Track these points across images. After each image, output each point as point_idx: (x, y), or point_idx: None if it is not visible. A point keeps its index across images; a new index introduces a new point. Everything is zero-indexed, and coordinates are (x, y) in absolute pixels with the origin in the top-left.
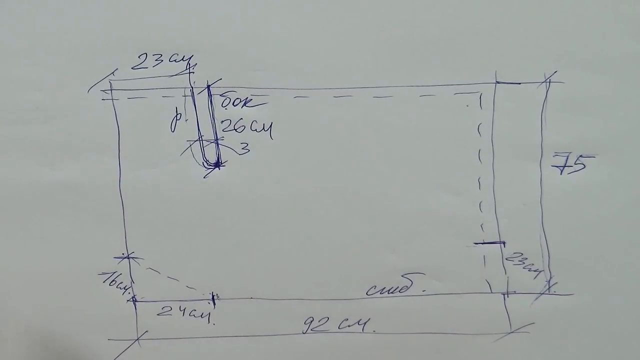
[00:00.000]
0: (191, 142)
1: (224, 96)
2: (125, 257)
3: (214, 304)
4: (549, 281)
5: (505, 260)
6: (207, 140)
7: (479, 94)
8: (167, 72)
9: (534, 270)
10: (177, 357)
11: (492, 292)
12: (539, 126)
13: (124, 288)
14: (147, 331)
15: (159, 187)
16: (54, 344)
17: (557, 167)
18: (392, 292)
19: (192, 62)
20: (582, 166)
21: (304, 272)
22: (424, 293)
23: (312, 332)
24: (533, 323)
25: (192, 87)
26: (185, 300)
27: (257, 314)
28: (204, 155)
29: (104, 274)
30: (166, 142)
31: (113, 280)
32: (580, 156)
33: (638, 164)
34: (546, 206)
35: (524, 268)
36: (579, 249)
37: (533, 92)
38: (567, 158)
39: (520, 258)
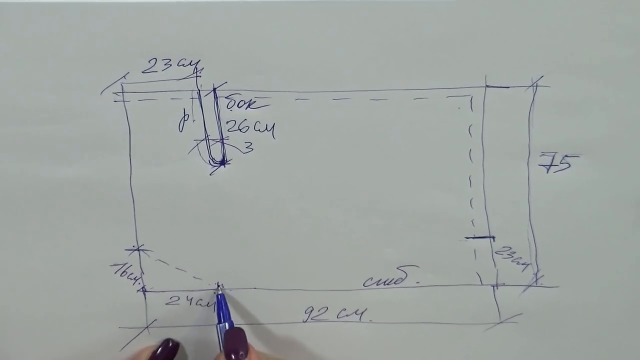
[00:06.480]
0: (198, 142)
1: (229, 98)
2: (135, 249)
3: None
4: (536, 274)
5: (494, 254)
6: (213, 140)
7: (469, 97)
8: (175, 76)
9: (522, 264)
10: (183, 344)
11: (482, 284)
12: (526, 128)
13: (134, 279)
14: (156, 320)
15: (167, 183)
16: (66, 332)
17: (543, 166)
18: (387, 284)
19: (199, 67)
20: (568, 165)
21: (304, 265)
22: (418, 285)
23: (311, 320)
24: (521, 314)
25: (199, 90)
26: (192, 290)
27: (260, 303)
28: (210, 153)
29: (115, 265)
30: (174, 141)
31: (124, 271)
32: (566, 156)
33: (620, 163)
34: (533, 203)
35: (512, 261)
36: (564, 243)
37: (521, 95)
38: (553, 158)
39: (509, 252)
